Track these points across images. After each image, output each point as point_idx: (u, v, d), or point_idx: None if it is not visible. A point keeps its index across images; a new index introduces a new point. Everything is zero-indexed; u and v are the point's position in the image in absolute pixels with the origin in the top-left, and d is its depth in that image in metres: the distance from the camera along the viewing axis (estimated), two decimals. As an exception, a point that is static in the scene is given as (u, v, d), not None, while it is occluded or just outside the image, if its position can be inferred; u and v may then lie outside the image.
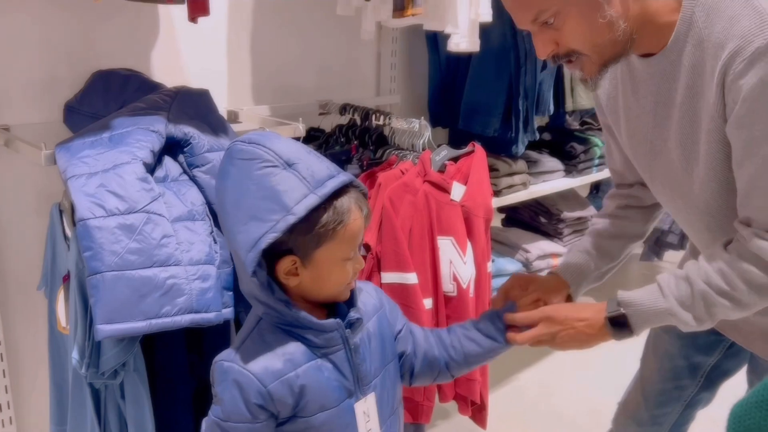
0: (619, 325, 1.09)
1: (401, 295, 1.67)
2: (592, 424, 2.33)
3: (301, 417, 1.03)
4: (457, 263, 1.73)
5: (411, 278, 1.67)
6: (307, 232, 0.96)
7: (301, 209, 0.94)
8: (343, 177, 0.99)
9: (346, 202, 0.99)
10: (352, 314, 1.07)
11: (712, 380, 1.38)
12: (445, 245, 1.72)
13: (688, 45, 0.95)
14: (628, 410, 1.51)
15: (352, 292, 1.09)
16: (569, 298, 1.32)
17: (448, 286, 1.76)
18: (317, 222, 0.96)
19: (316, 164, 0.98)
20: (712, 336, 1.29)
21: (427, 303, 1.71)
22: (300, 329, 1.02)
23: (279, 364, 1.00)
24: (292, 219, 0.94)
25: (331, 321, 1.04)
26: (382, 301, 1.18)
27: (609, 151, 1.33)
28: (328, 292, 1.05)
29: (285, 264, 0.98)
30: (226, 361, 1.01)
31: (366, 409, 1.11)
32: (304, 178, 0.96)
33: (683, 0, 0.95)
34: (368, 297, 1.15)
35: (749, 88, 0.86)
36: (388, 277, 1.67)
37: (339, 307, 1.09)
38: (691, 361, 1.36)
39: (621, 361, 2.72)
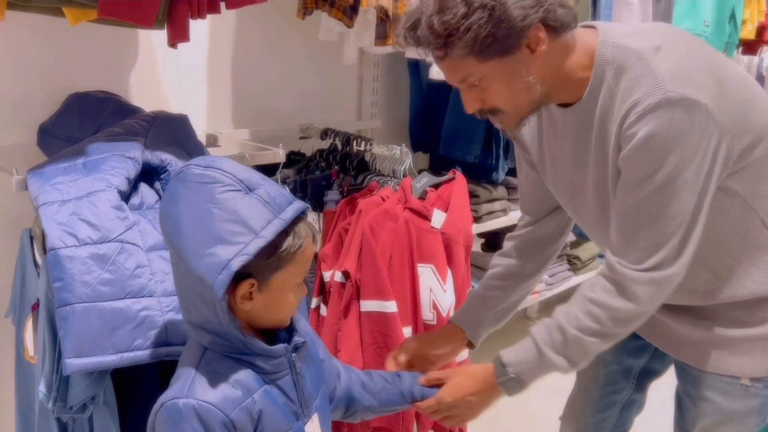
0: (512, 385, 1.16)
1: (380, 323, 1.65)
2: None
3: None
4: (437, 291, 1.72)
5: (391, 306, 1.65)
6: (269, 256, 0.95)
7: (269, 233, 0.94)
8: (299, 204, 1.01)
9: (303, 228, 1.00)
10: (297, 338, 1.07)
11: (642, 381, 1.45)
12: (425, 273, 1.71)
13: (600, 98, 1.05)
14: (570, 422, 1.55)
15: (291, 318, 1.09)
16: (470, 344, 1.41)
17: (427, 315, 1.74)
18: (279, 246, 0.96)
19: (275, 190, 0.99)
20: (640, 340, 1.35)
21: (407, 331, 1.70)
22: (249, 356, 1.00)
23: (235, 392, 0.98)
24: (261, 242, 0.93)
25: (280, 346, 1.03)
26: (308, 326, 1.19)
27: (522, 187, 1.41)
28: (276, 318, 1.04)
29: (243, 288, 0.96)
30: (180, 398, 0.96)
31: (314, 430, 1.11)
32: (267, 203, 0.96)
33: (594, 59, 1.05)
34: (300, 320, 1.14)
35: (637, 138, 0.97)
36: (368, 305, 1.65)
37: (278, 334, 1.08)
38: (624, 364, 1.42)
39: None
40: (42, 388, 1.14)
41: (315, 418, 1.10)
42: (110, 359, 1.06)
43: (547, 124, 1.19)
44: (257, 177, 0.99)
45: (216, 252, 0.93)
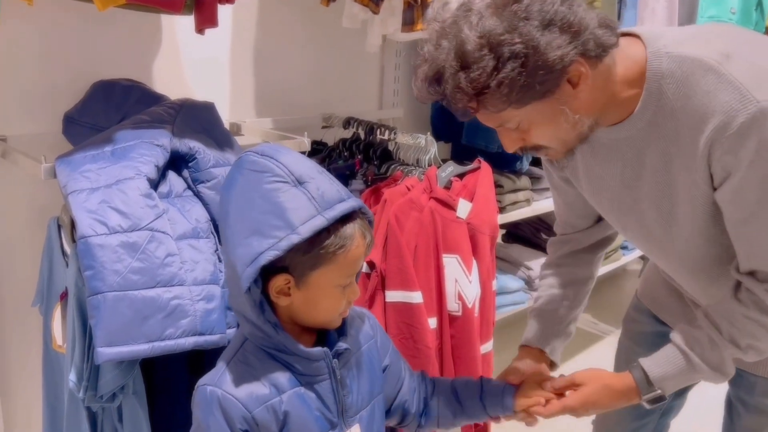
0: (657, 399, 1.09)
1: (405, 314, 1.64)
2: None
3: None
4: (462, 282, 1.70)
5: (416, 297, 1.63)
6: (305, 252, 0.93)
7: (306, 230, 0.91)
8: (352, 202, 0.97)
9: (350, 228, 0.96)
10: (341, 344, 1.03)
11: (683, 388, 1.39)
12: (451, 263, 1.69)
13: (658, 115, 0.97)
14: (606, 427, 1.50)
15: (344, 321, 1.06)
16: (552, 364, 1.32)
17: (452, 306, 1.72)
18: (319, 244, 0.93)
19: (327, 185, 0.95)
20: None
21: (432, 322, 1.68)
22: (285, 354, 0.99)
23: (263, 389, 0.97)
24: (295, 239, 0.90)
25: (317, 350, 1.00)
26: (375, 330, 1.15)
27: (558, 206, 1.34)
28: (318, 318, 1.02)
29: (278, 282, 0.94)
30: (210, 385, 0.97)
31: None
32: (313, 198, 0.93)
33: (647, 74, 0.96)
34: (361, 325, 1.11)
35: (748, 158, 0.89)
36: (393, 295, 1.64)
37: (329, 334, 1.05)
38: None
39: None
40: (72, 377, 1.14)
41: (355, 429, 1.06)
42: (142, 348, 1.05)
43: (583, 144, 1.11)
44: (312, 171, 0.96)
45: (251, 243, 0.91)
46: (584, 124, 0.96)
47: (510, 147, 1.00)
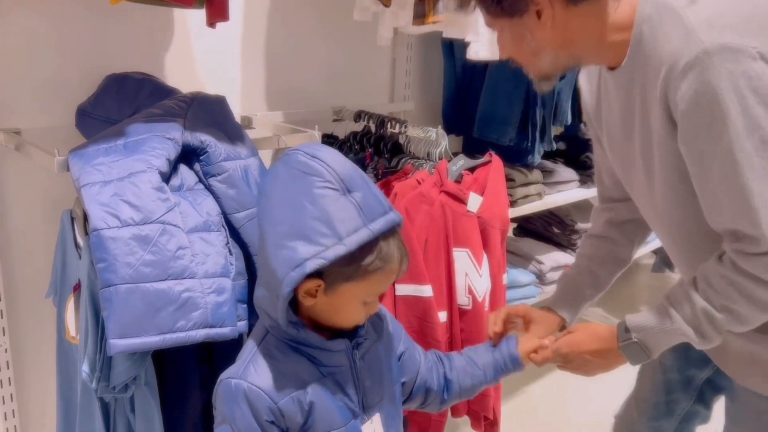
0: (634, 351, 1.09)
1: (416, 307, 1.64)
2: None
3: None
4: (472, 276, 1.70)
5: (426, 290, 1.63)
6: (344, 264, 0.93)
7: (353, 242, 0.91)
8: (394, 216, 0.97)
9: (393, 249, 0.96)
10: (361, 335, 1.05)
11: (704, 395, 1.37)
12: (461, 257, 1.69)
13: (638, 61, 0.98)
14: (624, 422, 1.51)
15: None
16: (563, 328, 1.33)
17: (462, 299, 1.72)
18: (358, 259, 0.93)
19: (372, 196, 0.96)
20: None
21: (442, 316, 1.68)
22: (307, 347, 1.00)
23: (288, 380, 0.98)
24: (342, 250, 0.91)
25: (338, 341, 1.01)
26: (385, 319, 1.16)
27: (597, 164, 1.34)
28: (335, 323, 1.03)
29: (309, 284, 0.95)
30: (234, 378, 0.98)
31: (374, 429, 1.09)
32: (360, 209, 0.93)
33: (635, 19, 0.96)
34: (375, 317, 1.12)
35: (684, 103, 0.88)
36: (403, 288, 1.64)
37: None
38: (685, 374, 1.35)
39: (635, 373, 2.69)
40: (85, 368, 1.15)
41: (376, 418, 1.08)
42: (153, 340, 1.05)
43: (604, 90, 1.12)
44: (359, 179, 0.96)
45: (296, 247, 0.91)
46: (548, 55, 1.02)
47: (500, 54, 1.09)
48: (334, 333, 1.04)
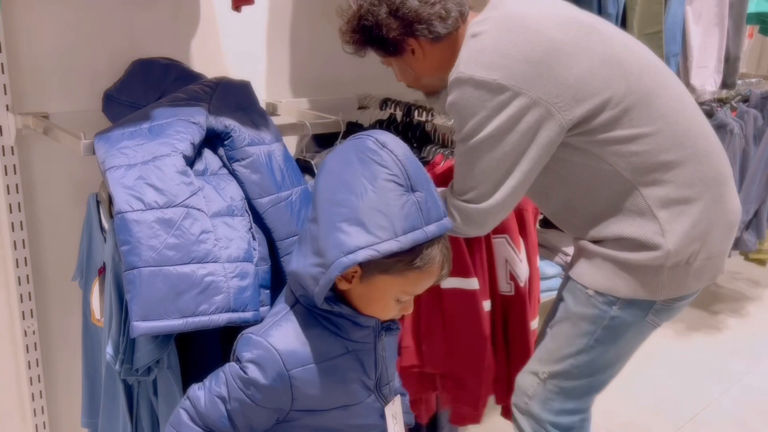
0: None
1: (462, 299, 1.59)
2: (629, 430, 2.27)
3: (319, 410, 1.02)
4: (512, 261, 1.68)
5: (473, 283, 1.59)
6: (386, 256, 0.94)
7: (407, 241, 0.92)
8: (447, 222, 0.98)
9: (436, 252, 0.97)
10: (392, 322, 1.07)
11: None
12: (500, 244, 1.67)
13: None
14: None
15: None
16: None
17: (504, 287, 1.70)
18: (401, 255, 0.94)
19: (432, 199, 0.97)
20: None
21: (486, 305, 1.66)
22: (338, 317, 1.01)
23: (308, 350, 0.99)
24: (395, 246, 0.92)
25: (368, 318, 1.02)
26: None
27: None
28: (365, 312, 1.03)
29: (347, 269, 0.95)
30: (255, 335, 1.01)
31: (394, 413, 1.11)
32: (421, 210, 0.94)
33: None
34: None
35: (446, 106, 1.24)
36: (449, 282, 1.59)
37: None
38: None
39: (655, 375, 2.65)
40: (109, 350, 1.16)
41: (396, 400, 1.11)
42: (176, 323, 1.06)
43: None
44: (423, 178, 0.97)
45: (351, 233, 0.92)
46: (425, 79, 1.38)
47: (397, 79, 1.44)
48: None
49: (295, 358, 0.98)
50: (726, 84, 2.62)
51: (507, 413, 1.82)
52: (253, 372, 0.98)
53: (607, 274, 1.28)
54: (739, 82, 2.72)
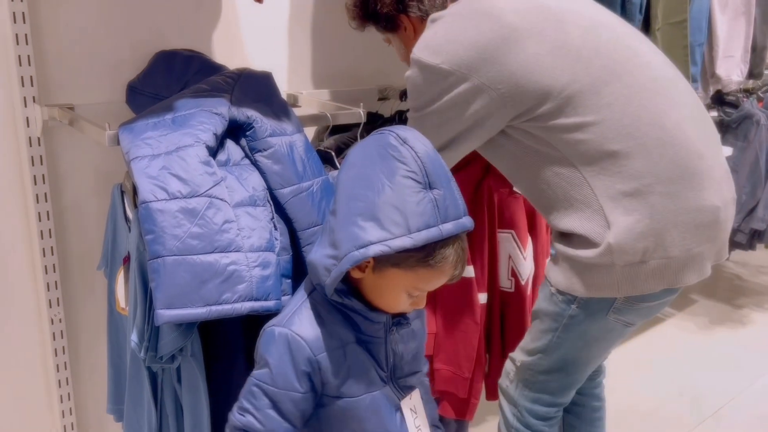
0: None
1: (456, 287, 1.61)
2: (651, 424, 2.25)
3: (340, 397, 1.04)
4: (516, 258, 1.67)
5: (469, 271, 1.61)
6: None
7: (421, 238, 0.93)
8: (466, 222, 0.98)
9: (450, 252, 0.97)
10: (404, 317, 1.07)
11: None
12: (505, 239, 1.66)
13: None
14: None
15: None
16: None
17: (505, 282, 1.70)
18: (414, 251, 0.94)
19: (452, 197, 0.97)
20: None
21: (482, 297, 1.66)
22: (350, 311, 1.03)
23: (328, 336, 1.01)
24: (408, 243, 0.92)
25: (380, 314, 1.03)
26: (423, 314, 1.19)
27: None
28: (378, 304, 1.04)
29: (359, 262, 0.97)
30: (278, 326, 1.02)
31: (413, 406, 1.11)
32: (438, 208, 0.94)
33: None
34: None
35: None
36: None
37: None
38: None
39: (678, 369, 2.62)
40: (134, 337, 1.18)
41: (415, 394, 1.11)
42: (199, 312, 1.07)
43: None
44: (444, 176, 0.97)
45: (365, 228, 0.93)
46: None
47: (398, 57, 1.51)
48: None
49: (319, 343, 1.01)
50: (752, 74, 2.57)
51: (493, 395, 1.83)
52: (284, 367, 0.99)
53: (565, 272, 1.26)
54: (766, 72, 2.67)
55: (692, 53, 2.20)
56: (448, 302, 1.65)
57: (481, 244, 1.65)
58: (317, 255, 1.01)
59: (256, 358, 1.05)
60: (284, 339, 1.00)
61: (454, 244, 0.97)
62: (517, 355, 1.42)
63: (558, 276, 1.28)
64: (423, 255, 0.95)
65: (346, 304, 1.02)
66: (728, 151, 2.60)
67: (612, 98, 1.18)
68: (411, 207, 0.92)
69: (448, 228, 0.94)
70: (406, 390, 1.12)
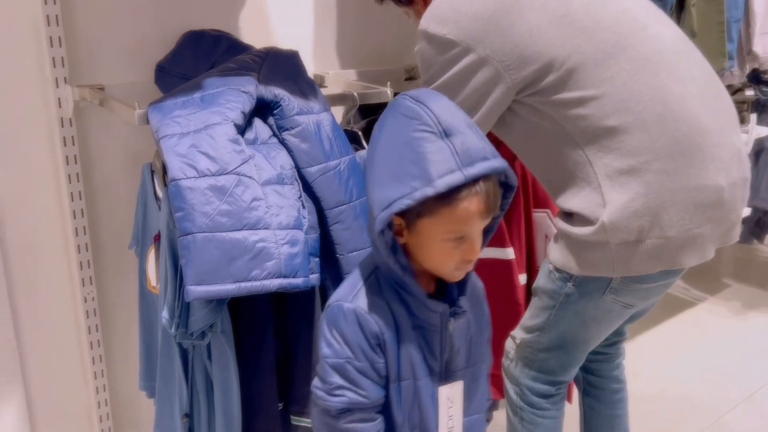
0: None
1: (497, 270, 1.60)
2: (673, 413, 2.22)
3: (397, 381, 1.04)
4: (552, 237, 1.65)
5: (509, 253, 1.59)
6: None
7: (442, 184, 0.91)
8: (496, 162, 0.94)
9: (476, 192, 0.93)
10: (460, 306, 1.06)
11: None
12: (541, 219, 1.64)
13: None
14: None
15: (467, 280, 1.06)
16: None
17: (543, 262, 1.68)
18: (434, 198, 0.93)
19: (473, 141, 0.94)
20: None
21: (522, 278, 1.64)
22: (408, 294, 1.02)
23: (389, 315, 1.01)
24: (430, 191, 0.91)
25: (438, 303, 1.02)
26: (484, 304, 1.18)
27: None
28: (431, 266, 1.02)
29: (395, 222, 0.97)
30: (345, 302, 1.02)
31: (451, 395, 1.09)
32: (456, 153, 0.92)
33: None
34: (476, 290, 1.14)
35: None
36: (483, 251, 1.60)
37: (449, 288, 1.07)
38: None
39: (710, 353, 2.58)
40: (165, 314, 1.19)
41: (458, 384, 1.09)
42: (229, 288, 1.08)
43: None
44: (463, 124, 0.95)
45: (389, 188, 0.93)
46: None
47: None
48: (438, 289, 1.06)
49: (383, 321, 1.01)
50: (791, 51, 2.49)
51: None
52: (359, 340, 1.00)
53: (562, 249, 1.25)
54: (805, 49, 2.58)
55: (728, 30, 2.14)
56: (489, 284, 1.62)
57: (518, 225, 1.63)
58: (371, 237, 1.04)
59: (322, 333, 1.04)
60: (353, 314, 1.00)
61: (480, 185, 0.93)
62: (517, 333, 1.41)
63: (556, 253, 1.27)
64: (449, 200, 0.93)
65: (405, 286, 1.01)
66: (765, 131, 2.53)
67: (613, 72, 1.16)
68: (427, 156, 0.91)
69: (472, 171, 0.91)
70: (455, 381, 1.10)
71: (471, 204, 0.93)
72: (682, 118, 1.15)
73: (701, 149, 1.15)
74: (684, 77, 1.19)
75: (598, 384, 1.57)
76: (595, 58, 1.16)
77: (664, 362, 2.50)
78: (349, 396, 1.01)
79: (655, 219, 1.15)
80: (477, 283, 1.16)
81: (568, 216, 1.24)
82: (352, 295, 1.02)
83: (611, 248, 1.17)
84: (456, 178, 0.90)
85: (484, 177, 0.93)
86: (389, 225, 0.97)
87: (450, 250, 0.98)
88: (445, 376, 1.08)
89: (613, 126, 1.15)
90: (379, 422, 1.04)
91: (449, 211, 0.93)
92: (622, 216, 1.15)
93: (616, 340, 1.56)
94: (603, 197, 1.17)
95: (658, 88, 1.16)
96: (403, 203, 0.91)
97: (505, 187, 1.01)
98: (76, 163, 1.46)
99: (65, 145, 1.44)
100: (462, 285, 1.07)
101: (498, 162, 0.94)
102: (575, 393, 1.71)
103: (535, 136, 1.26)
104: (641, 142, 1.14)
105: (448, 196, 0.92)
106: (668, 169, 1.14)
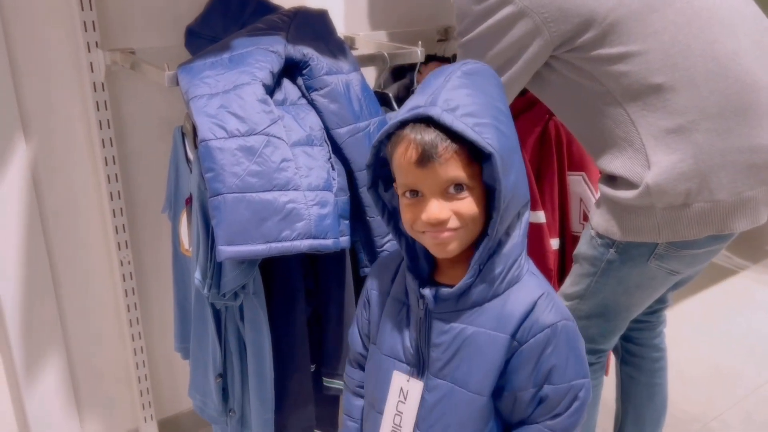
0: None
1: (528, 232, 1.57)
2: (712, 381, 2.18)
3: (378, 352, 1.01)
4: (587, 201, 1.61)
5: (539, 216, 1.56)
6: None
7: (390, 127, 0.87)
8: (429, 111, 0.82)
9: (409, 131, 0.84)
10: (445, 289, 0.90)
11: None
12: (576, 182, 1.60)
13: None
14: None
15: (482, 273, 0.90)
16: None
17: (576, 226, 1.64)
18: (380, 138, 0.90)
19: (453, 96, 0.84)
20: None
21: (554, 243, 1.61)
22: (407, 269, 0.96)
23: (389, 281, 1.02)
24: (383, 134, 0.88)
25: (415, 287, 0.93)
26: (537, 347, 0.90)
27: None
28: (408, 230, 0.92)
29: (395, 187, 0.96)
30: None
31: (405, 389, 0.96)
32: (432, 95, 0.85)
33: None
34: (516, 307, 0.91)
35: None
36: None
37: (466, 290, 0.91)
38: None
39: (746, 324, 2.51)
40: (198, 275, 1.20)
41: (417, 384, 0.94)
42: (259, 248, 1.08)
43: None
44: (438, 83, 0.87)
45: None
46: None
47: None
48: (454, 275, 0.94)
49: (376, 282, 1.03)
50: None
51: None
52: (364, 290, 1.09)
53: (605, 214, 1.21)
54: None
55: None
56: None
57: (551, 187, 1.59)
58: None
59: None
60: (376, 262, 1.07)
61: (410, 126, 0.85)
62: None
63: (598, 218, 1.22)
64: (381, 136, 0.89)
65: (405, 249, 0.95)
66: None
67: (659, 26, 1.10)
68: (416, 97, 0.87)
69: (406, 116, 0.84)
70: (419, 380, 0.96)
71: (402, 148, 0.85)
72: (734, 74, 1.09)
73: (754, 107, 1.10)
74: (736, 32, 1.13)
75: (638, 352, 1.54)
76: (640, 12, 1.10)
77: (705, 331, 2.44)
78: (351, 336, 1.11)
79: (703, 181, 1.10)
80: (533, 314, 0.92)
81: (611, 179, 1.20)
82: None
83: (656, 212, 1.13)
84: (394, 122, 0.86)
85: (415, 121, 0.84)
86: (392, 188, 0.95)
87: (408, 206, 0.88)
88: (418, 370, 0.95)
89: (658, 83, 1.10)
90: (358, 374, 1.10)
91: (395, 159, 0.87)
92: (669, 178, 1.10)
93: (658, 307, 1.52)
94: (647, 158, 1.12)
95: (708, 42, 1.10)
96: (377, 140, 0.90)
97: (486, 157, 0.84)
98: (109, 127, 1.47)
99: (98, 110, 1.45)
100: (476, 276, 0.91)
101: (430, 110, 0.82)
102: (612, 363, 1.69)
103: (573, 94, 1.21)
104: (690, 100, 1.09)
105: (394, 142, 0.87)
106: (719, 128, 1.09)
